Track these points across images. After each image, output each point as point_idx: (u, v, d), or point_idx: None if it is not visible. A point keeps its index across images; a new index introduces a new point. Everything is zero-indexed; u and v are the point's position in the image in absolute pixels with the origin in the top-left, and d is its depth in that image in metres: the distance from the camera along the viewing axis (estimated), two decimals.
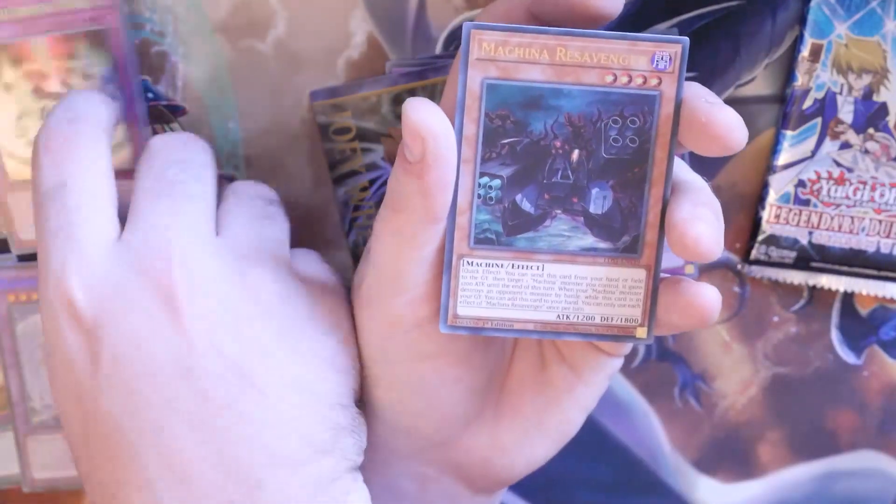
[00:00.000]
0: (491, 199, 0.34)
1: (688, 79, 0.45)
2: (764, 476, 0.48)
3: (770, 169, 0.45)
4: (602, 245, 0.34)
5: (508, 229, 0.34)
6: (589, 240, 0.34)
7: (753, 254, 0.46)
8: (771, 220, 0.45)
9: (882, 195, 0.45)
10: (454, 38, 0.44)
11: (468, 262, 0.34)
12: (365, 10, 0.44)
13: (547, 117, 0.33)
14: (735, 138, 0.32)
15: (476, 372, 0.38)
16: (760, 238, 0.46)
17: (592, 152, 0.34)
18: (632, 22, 0.44)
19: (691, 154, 0.45)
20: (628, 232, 0.34)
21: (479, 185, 0.34)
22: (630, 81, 0.33)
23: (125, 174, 0.45)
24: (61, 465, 0.46)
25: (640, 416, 0.47)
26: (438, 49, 0.44)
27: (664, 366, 0.47)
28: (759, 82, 0.45)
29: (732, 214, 0.46)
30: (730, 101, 0.45)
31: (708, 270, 0.46)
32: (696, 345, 0.47)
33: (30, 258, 0.45)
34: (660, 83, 0.33)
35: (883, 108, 0.44)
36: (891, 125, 0.44)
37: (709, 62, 0.45)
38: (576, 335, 0.35)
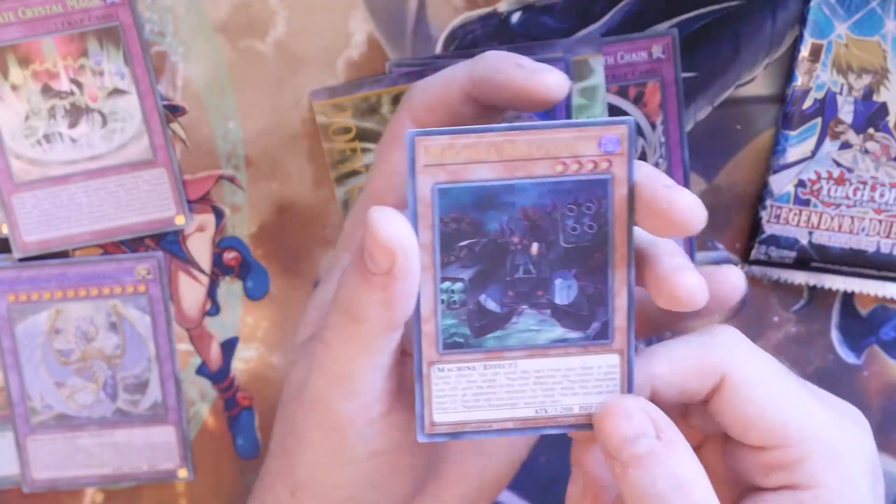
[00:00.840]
0: (455, 302, 0.33)
1: (688, 79, 0.45)
2: None
3: (770, 169, 0.45)
4: (572, 335, 0.34)
5: (476, 331, 0.34)
6: (559, 331, 0.34)
7: (753, 254, 0.46)
8: (771, 220, 0.45)
9: (882, 195, 0.45)
10: (454, 38, 0.44)
11: (439, 368, 0.34)
12: (365, 10, 0.44)
13: (502, 214, 0.33)
14: (696, 221, 0.32)
15: (426, 451, 0.38)
16: (760, 238, 0.46)
17: (552, 243, 0.33)
18: (632, 22, 0.44)
19: (691, 154, 0.45)
20: (597, 318, 0.34)
21: (442, 290, 0.33)
22: (581, 168, 0.32)
23: (140, 166, 0.45)
24: (61, 465, 0.46)
25: None
26: (438, 49, 0.44)
27: None
28: (759, 82, 0.45)
29: (732, 214, 0.46)
30: (730, 101, 0.45)
31: None
32: None
33: (30, 259, 0.45)
34: (610, 166, 0.32)
35: (883, 108, 0.44)
36: (891, 125, 0.44)
37: (709, 62, 0.45)
38: (556, 427, 0.34)
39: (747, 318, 0.47)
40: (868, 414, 0.47)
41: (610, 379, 0.34)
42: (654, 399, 0.34)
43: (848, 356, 0.47)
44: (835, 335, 0.47)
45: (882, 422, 0.47)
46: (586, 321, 0.34)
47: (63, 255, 0.45)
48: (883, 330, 0.47)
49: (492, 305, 0.33)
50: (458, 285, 0.33)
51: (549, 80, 0.35)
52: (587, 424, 0.34)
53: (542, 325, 0.34)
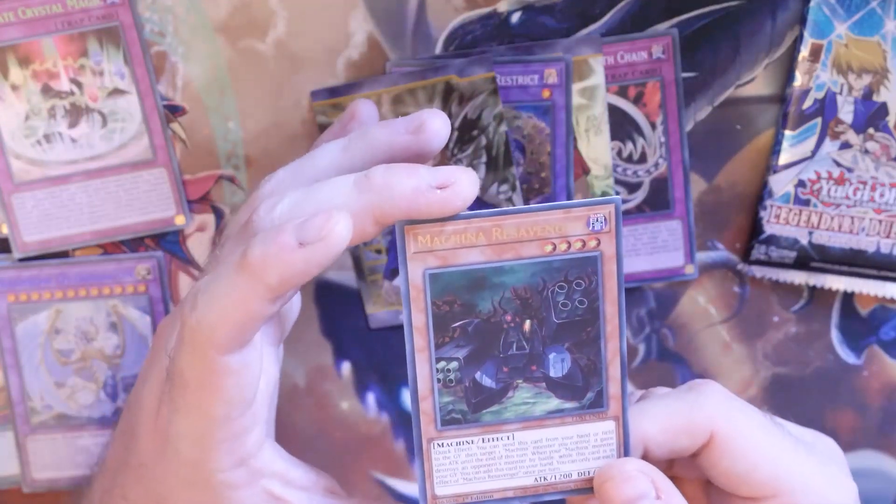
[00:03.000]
0: (451, 381, 0.34)
1: (688, 79, 0.45)
2: None
3: (770, 169, 0.45)
4: (568, 405, 0.34)
5: (473, 407, 0.34)
6: (554, 402, 0.34)
7: (753, 254, 0.46)
8: (771, 220, 0.45)
9: (882, 195, 0.45)
10: (454, 38, 0.44)
11: (438, 444, 0.34)
12: (365, 10, 0.44)
13: (493, 294, 0.33)
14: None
15: None
16: (760, 238, 0.46)
17: (544, 320, 0.34)
18: (632, 22, 0.44)
19: (691, 154, 0.45)
20: (591, 388, 0.34)
21: (438, 369, 0.34)
22: (569, 247, 0.33)
23: (140, 166, 0.45)
24: (61, 465, 0.46)
25: None
26: (438, 49, 0.44)
27: (664, 366, 0.47)
28: (759, 82, 0.45)
29: (732, 214, 0.46)
30: (730, 101, 0.45)
31: (708, 270, 0.46)
32: (696, 345, 0.47)
33: (30, 259, 0.45)
34: (599, 244, 0.33)
35: (883, 108, 0.44)
36: (891, 125, 0.44)
37: (709, 62, 0.45)
38: (557, 493, 0.35)
39: (747, 318, 0.47)
40: (868, 414, 0.48)
41: (606, 444, 0.35)
42: (646, 457, 0.35)
43: (848, 356, 0.47)
44: (835, 335, 0.47)
45: (882, 422, 0.48)
46: (581, 391, 0.34)
47: (63, 255, 0.45)
48: (883, 330, 0.47)
49: (487, 382, 0.34)
50: (454, 364, 0.34)
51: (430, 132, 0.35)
52: (587, 489, 0.35)
53: (537, 398, 0.34)
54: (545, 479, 0.35)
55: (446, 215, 0.33)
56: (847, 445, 0.47)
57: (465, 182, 0.32)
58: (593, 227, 0.33)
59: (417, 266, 0.33)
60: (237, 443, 0.34)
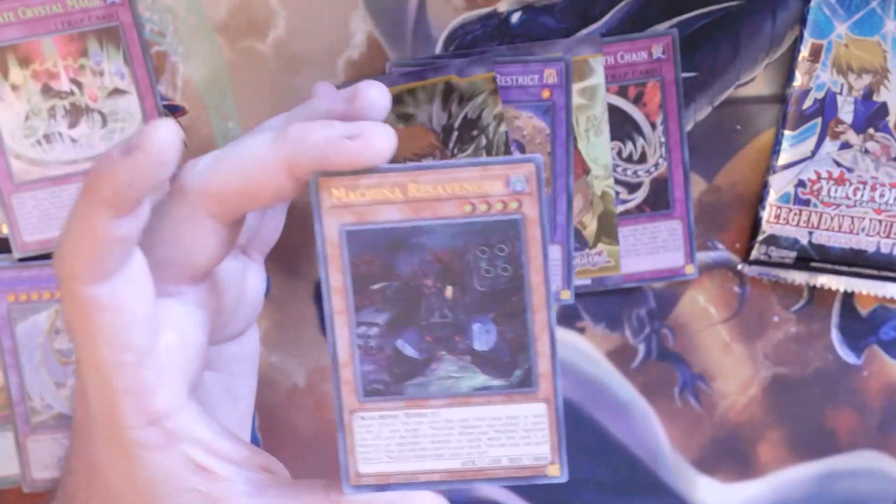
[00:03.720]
0: (372, 347, 0.32)
1: (688, 79, 0.45)
2: (764, 476, 0.48)
3: (770, 169, 0.45)
4: (495, 382, 0.32)
5: (395, 377, 0.33)
6: (480, 378, 0.32)
7: (753, 254, 0.46)
8: (771, 220, 0.45)
9: (882, 195, 0.45)
10: (454, 38, 0.44)
11: (360, 416, 0.33)
12: (365, 10, 0.44)
13: (412, 256, 0.32)
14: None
15: None
16: (760, 238, 0.46)
17: (466, 286, 0.32)
18: (632, 22, 0.44)
19: (691, 154, 0.45)
20: (519, 365, 0.32)
21: (357, 335, 0.32)
22: (490, 208, 0.32)
23: None
24: (61, 466, 0.46)
25: (640, 416, 0.47)
26: (438, 49, 0.44)
27: (664, 366, 0.47)
28: (759, 82, 0.45)
29: (732, 214, 0.46)
30: (730, 101, 0.45)
31: (708, 270, 0.46)
32: (696, 345, 0.47)
33: (30, 259, 0.45)
34: (520, 206, 0.31)
35: (883, 108, 0.44)
36: (891, 125, 0.44)
37: (709, 62, 0.45)
38: (486, 480, 0.33)
39: (747, 318, 0.47)
40: (868, 414, 0.48)
41: (538, 429, 0.33)
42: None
43: (848, 356, 0.47)
44: (835, 335, 0.47)
45: (882, 422, 0.48)
46: (508, 368, 0.33)
47: None
48: (883, 330, 0.47)
49: (409, 351, 0.33)
50: (374, 329, 0.32)
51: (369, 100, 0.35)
52: (517, 477, 0.33)
53: (463, 372, 0.33)
54: (474, 463, 0.33)
55: (358, 167, 0.31)
56: (847, 445, 0.48)
57: (378, 134, 0.32)
58: (514, 187, 0.31)
59: (333, 221, 0.32)
60: (142, 397, 0.33)
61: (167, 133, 0.31)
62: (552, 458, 0.33)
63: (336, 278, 0.32)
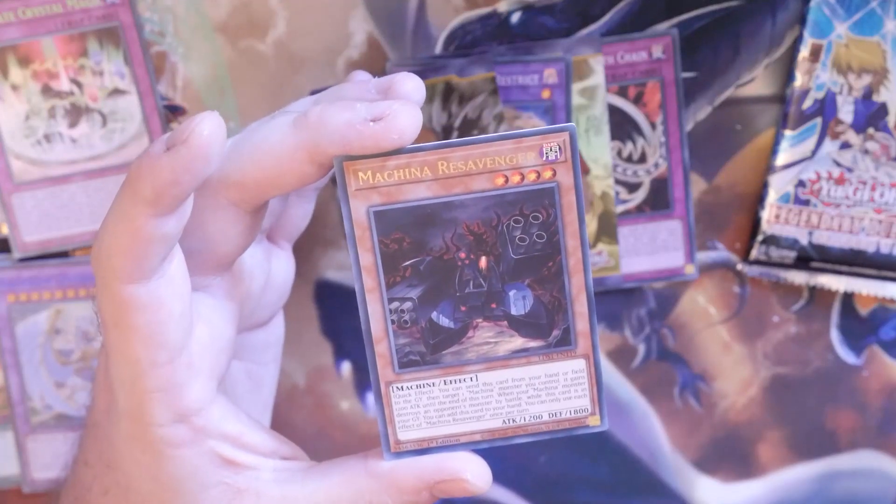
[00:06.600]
0: (406, 322, 0.33)
1: (688, 79, 0.45)
2: (764, 476, 0.48)
3: (770, 169, 0.45)
4: (533, 344, 0.33)
5: (431, 348, 0.33)
6: (518, 342, 0.33)
7: (753, 254, 0.46)
8: (771, 220, 0.45)
9: (882, 195, 0.45)
10: (454, 38, 0.44)
11: (397, 387, 0.33)
12: (365, 10, 0.44)
13: (444, 231, 0.32)
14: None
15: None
16: (760, 238, 0.46)
17: (500, 256, 0.32)
18: (632, 22, 0.44)
19: (691, 154, 0.45)
20: (557, 326, 0.33)
21: (391, 310, 0.33)
22: (523, 179, 0.32)
23: None
24: (61, 465, 0.46)
25: (640, 416, 0.47)
26: (438, 49, 0.44)
27: (664, 366, 0.47)
28: (759, 82, 0.45)
29: (732, 214, 0.46)
30: (730, 101, 0.45)
31: (708, 270, 0.46)
32: (696, 345, 0.47)
33: (30, 259, 0.45)
34: (554, 174, 0.32)
35: (883, 108, 0.44)
36: (891, 125, 0.44)
37: (709, 62, 0.45)
38: (527, 436, 0.34)
39: (747, 318, 0.47)
40: (868, 414, 0.48)
41: (578, 384, 0.34)
42: None
43: (848, 356, 0.47)
44: (835, 335, 0.47)
45: (882, 422, 0.48)
46: (546, 329, 0.33)
47: (63, 255, 0.45)
48: (883, 330, 0.47)
49: (445, 322, 0.33)
50: (408, 304, 0.33)
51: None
52: (557, 430, 0.34)
53: (500, 337, 0.33)
54: (514, 420, 0.34)
55: (383, 150, 0.31)
56: (847, 445, 0.48)
57: (402, 115, 0.31)
58: (547, 157, 0.31)
59: (360, 204, 0.32)
60: (172, 395, 0.33)
61: (212, 125, 0.30)
62: (592, 410, 0.34)
63: (366, 258, 0.32)
